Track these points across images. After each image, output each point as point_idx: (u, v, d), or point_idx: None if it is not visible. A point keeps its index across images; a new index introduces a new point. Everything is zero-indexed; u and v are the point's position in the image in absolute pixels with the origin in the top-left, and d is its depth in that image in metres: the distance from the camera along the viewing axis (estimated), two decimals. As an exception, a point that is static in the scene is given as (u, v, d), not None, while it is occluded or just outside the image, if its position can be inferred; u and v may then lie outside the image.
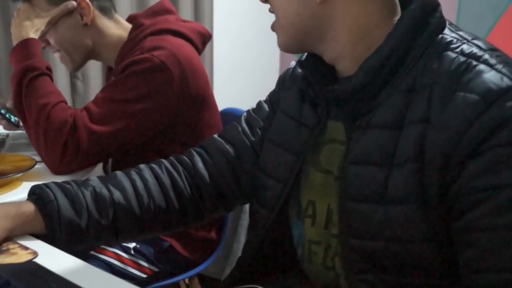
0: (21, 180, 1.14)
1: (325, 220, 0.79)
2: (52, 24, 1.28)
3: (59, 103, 1.20)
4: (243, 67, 2.86)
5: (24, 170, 1.12)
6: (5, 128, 1.45)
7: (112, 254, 1.25)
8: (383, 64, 0.69)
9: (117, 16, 1.37)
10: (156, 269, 1.31)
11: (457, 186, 0.64)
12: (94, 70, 2.09)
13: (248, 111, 0.96)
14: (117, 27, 1.35)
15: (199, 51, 1.35)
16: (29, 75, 1.20)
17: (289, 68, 0.93)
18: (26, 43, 1.24)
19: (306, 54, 0.83)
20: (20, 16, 1.28)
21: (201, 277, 1.57)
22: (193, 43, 1.31)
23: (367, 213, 0.70)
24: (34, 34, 1.26)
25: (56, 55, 1.37)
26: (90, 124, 1.16)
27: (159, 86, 1.18)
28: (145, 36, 1.26)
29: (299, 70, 0.88)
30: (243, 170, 0.91)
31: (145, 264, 1.29)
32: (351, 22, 0.72)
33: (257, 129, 0.91)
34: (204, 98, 1.31)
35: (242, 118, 0.95)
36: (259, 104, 0.96)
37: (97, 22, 1.31)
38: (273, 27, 0.79)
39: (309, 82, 0.83)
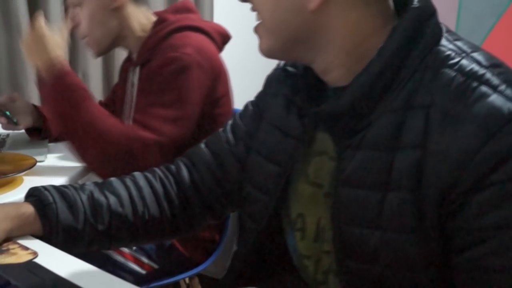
0: (21, 179, 1.14)
1: (315, 233, 0.76)
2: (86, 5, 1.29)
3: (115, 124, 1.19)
4: (243, 67, 2.85)
5: (24, 170, 1.12)
6: (3, 127, 1.45)
7: (114, 249, 1.26)
8: (375, 81, 0.64)
9: (145, 7, 1.39)
10: (156, 266, 1.32)
11: (459, 221, 0.60)
12: (94, 70, 2.09)
13: (234, 117, 0.92)
14: (144, 18, 1.37)
15: (219, 50, 1.37)
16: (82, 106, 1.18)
17: (277, 69, 0.88)
18: (62, 75, 1.19)
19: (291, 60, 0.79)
20: (38, 34, 1.20)
21: (201, 277, 1.57)
22: (215, 41, 1.34)
23: (361, 237, 0.66)
24: (61, 52, 1.22)
25: (83, 40, 1.37)
26: (147, 133, 1.17)
27: (196, 82, 1.22)
28: (169, 32, 1.29)
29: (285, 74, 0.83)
30: (228, 181, 0.89)
31: (145, 260, 1.30)
32: (345, 31, 0.66)
33: (242, 138, 0.88)
34: (226, 93, 1.36)
35: (228, 126, 0.92)
36: (245, 107, 0.92)
37: (127, 8, 1.33)
38: (256, 30, 0.72)
39: (296, 89, 0.78)
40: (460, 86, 0.60)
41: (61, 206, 0.80)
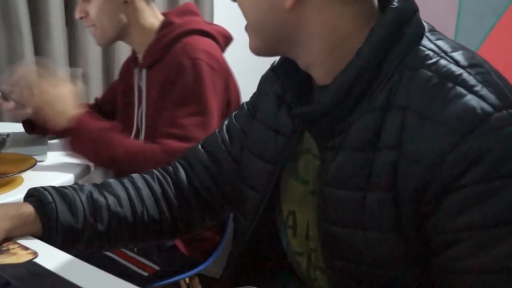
0: (21, 179, 1.14)
1: (306, 231, 0.77)
2: None
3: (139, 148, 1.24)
4: (243, 67, 2.85)
5: (24, 170, 1.12)
6: (9, 112, 1.38)
7: (116, 251, 1.26)
8: (353, 82, 0.64)
9: (153, 4, 1.41)
10: (157, 268, 1.32)
11: (433, 224, 0.60)
12: (94, 70, 2.10)
13: (229, 117, 0.93)
14: (152, 15, 1.39)
15: (223, 52, 1.41)
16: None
17: (269, 69, 0.90)
18: (79, 130, 1.22)
19: (280, 59, 0.80)
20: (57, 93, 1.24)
21: (201, 277, 1.57)
22: (219, 44, 1.38)
23: (345, 236, 0.67)
24: (75, 109, 1.24)
25: (88, 30, 1.40)
26: (180, 143, 1.20)
27: (214, 88, 1.26)
28: (177, 35, 1.32)
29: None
30: (225, 182, 0.90)
31: (147, 262, 1.30)
32: (323, 30, 0.66)
33: (237, 138, 0.89)
34: (236, 94, 1.40)
35: (224, 126, 0.93)
36: (241, 107, 0.93)
37: (136, 3, 1.35)
38: (246, 29, 0.74)
39: (286, 87, 0.79)
40: (435, 87, 0.60)
41: (61, 206, 0.80)
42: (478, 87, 0.58)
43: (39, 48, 1.92)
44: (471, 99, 0.57)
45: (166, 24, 1.36)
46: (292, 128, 0.77)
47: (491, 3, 2.38)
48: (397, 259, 0.63)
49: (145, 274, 1.30)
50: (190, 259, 1.38)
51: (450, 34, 2.43)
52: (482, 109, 0.56)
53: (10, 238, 0.76)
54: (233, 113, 0.94)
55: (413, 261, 0.63)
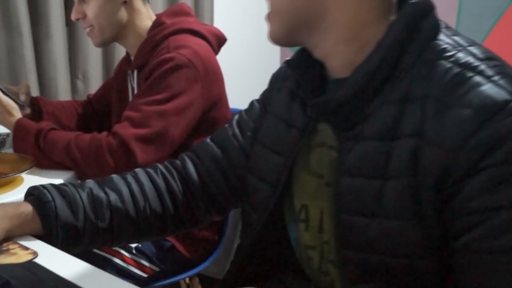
0: (21, 180, 1.14)
1: (319, 225, 0.77)
2: None
3: (78, 135, 1.24)
4: (243, 67, 2.85)
5: (24, 170, 1.12)
6: None
7: (115, 253, 1.26)
8: (374, 73, 0.66)
9: (148, 6, 1.41)
10: (157, 269, 1.32)
11: (454, 207, 0.61)
12: (94, 70, 2.09)
13: (240, 113, 0.95)
14: (148, 16, 1.39)
15: (215, 52, 1.39)
16: (41, 137, 1.23)
17: (282, 67, 0.91)
18: (19, 127, 1.26)
19: (295, 54, 0.81)
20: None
21: (201, 277, 1.57)
22: (211, 44, 1.36)
23: (361, 226, 0.68)
24: (14, 118, 1.29)
25: (86, 30, 1.39)
26: (134, 130, 1.20)
27: (188, 82, 1.24)
28: (166, 35, 1.31)
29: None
30: (234, 174, 0.90)
31: (146, 263, 1.30)
32: (346, 16, 0.68)
33: (248, 132, 0.90)
34: (221, 96, 1.37)
35: (234, 121, 0.94)
36: (251, 104, 0.94)
37: (135, 3, 1.36)
38: (267, 17, 0.76)
39: (299, 82, 0.81)
40: (455, 76, 0.62)
41: (60, 204, 0.80)
42: (496, 77, 0.61)
43: (39, 48, 1.91)
44: (490, 87, 0.60)
45: (156, 25, 1.36)
46: (305, 122, 0.78)
47: (491, 3, 2.37)
48: (412, 247, 0.64)
49: (145, 275, 1.29)
50: (190, 259, 1.37)
51: (450, 34, 2.42)
52: (502, 96, 0.59)
53: (10, 238, 0.76)
54: (243, 110, 0.95)
55: (427, 249, 0.64)
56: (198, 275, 1.51)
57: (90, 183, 0.87)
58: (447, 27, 0.70)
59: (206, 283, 1.62)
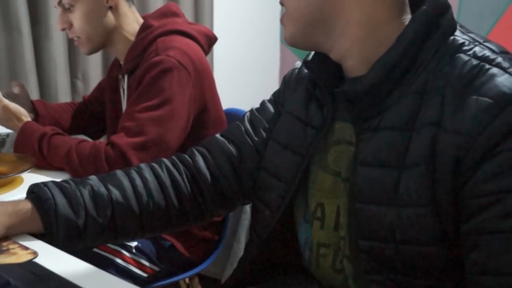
0: (21, 179, 1.14)
1: (335, 222, 0.78)
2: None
3: (80, 142, 1.23)
4: (243, 67, 2.86)
5: (24, 170, 1.12)
6: None
7: (115, 252, 1.26)
8: (394, 65, 0.69)
9: (134, 8, 1.39)
10: (157, 269, 1.32)
11: (468, 189, 0.63)
12: (94, 70, 2.09)
13: (251, 111, 0.95)
14: (134, 19, 1.37)
15: (205, 52, 1.38)
16: (44, 142, 1.23)
17: (295, 68, 0.92)
18: (24, 129, 1.26)
19: (312, 54, 0.82)
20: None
21: (201, 277, 1.57)
22: (200, 44, 1.35)
23: (377, 215, 0.69)
24: (22, 122, 1.29)
25: (73, 38, 1.38)
26: (130, 139, 1.19)
27: (179, 85, 1.22)
28: (154, 37, 1.30)
29: (305, 71, 0.87)
30: (245, 170, 0.90)
31: (146, 263, 1.30)
32: (361, 16, 0.71)
33: (261, 130, 0.90)
34: (213, 96, 1.36)
35: (245, 118, 0.94)
36: (263, 104, 0.95)
37: (120, 8, 1.34)
38: (282, 20, 0.77)
39: (315, 83, 0.82)
40: (473, 68, 0.66)
41: (60, 201, 0.80)
42: None
43: (39, 48, 1.92)
44: (507, 78, 0.63)
45: (144, 28, 1.34)
46: (322, 121, 0.80)
47: (491, 3, 2.38)
48: (427, 234, 0.66)
49: (145, 275, 1.29)
50: (190, 259, 1.38)
51: (450, 34, 2.42)
52: None
53: (10, 237, 0.76)
54: (254, 108, 0.95)
55: (441, 235, 0.66)
56: (198, 275, 1.51)
57: (92, 179, 0.87)
58: (462, 26, 0.73)
59: (206, 283, 1.62)
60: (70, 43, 2.05)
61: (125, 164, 1.17)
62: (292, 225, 0.86)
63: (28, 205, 0.79)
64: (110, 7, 1.31)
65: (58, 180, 1.13)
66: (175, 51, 1.24)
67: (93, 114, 1.62)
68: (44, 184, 0.83)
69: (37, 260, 0.70)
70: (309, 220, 0.82)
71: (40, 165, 1.22)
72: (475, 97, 0.63)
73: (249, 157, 0.90)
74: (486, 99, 0.62)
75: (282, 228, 0.85)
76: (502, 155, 0.61)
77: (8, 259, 0.70)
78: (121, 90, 1.43)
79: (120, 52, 1.38)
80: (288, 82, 0.92)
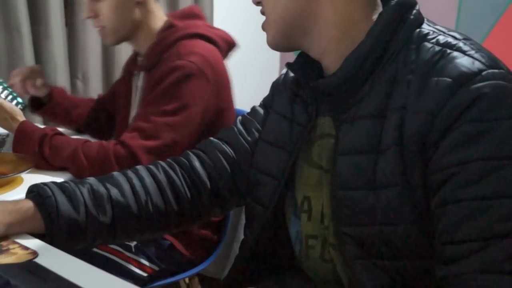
0: (21, 179, 1.14)
1: (321, 214, 0.81)
2: None
3: (85, 142, 1.23)
4: (243, 67, 2.85)
5: (24, 170, 1.12)
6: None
7: (115, 252, 1.26)
8: (365, 57, 0.73)
9: (159, 5, 1.40)
10: (157, 268, 1.32)
11: (431, 165, 0.66)
12: (94, 70, 2.09)
13: (242, 115, 0.99)
14: (159, 16, 1.38)
15: (224, 58, 1.39)
16: (45, 142, 1.23)
17: (282, 74, 0.96)
18: (22, 129, 1.26)
19: (296, 57, 0.85)
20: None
21: (201, 276, 1.57)
22: (220, 49, 1.36)
23: (358, 200, 0.72)
24: (17, 123, 1.29)
25: (97, 28, 1.39)
26: (143, 141, 1.20)
27: (198, 92, 1.23)
28: (177, 38, 1.31)
29: (291, 74, 0.91)
30: (240, 169, 0.93)
31: (146, 262, 1.30)
32: (336, 17, 0.75)
33: (253, 130, 0.94)
34: (229, 103, 1.38)
35: (238, 121, 0.97)
36: (253, 108, 0.98)
37: (148, 4, 1.35)
38: (263, 27, 0.82)
39: (299, 83, 0.86)
40: (436, 54, 0.70)
41: (61, 199, 0.80)
42: (472, 52, 0.69)
43: (39, 48, 1.92)
44: (466, 59, 0.67)
45: (167, 27, 1.35)
46: (307, 118, 0.84)
47: (491, 3, 2.38)
48: (405, 212, 0.69)
49: (145, 275, 1.30)
50: (189, 259, 1.38)
51: (450, 34, 2.42)
52: (476, 65, 0.66)
53: (10, 237, 0.76)
54: (246, 112, 0.99)
55: (417, 214, 0.68)
56: (198, 275, 1.51)
57: (90, 179, 0.87)
58: (429, 20, 0.77)
59: (206, 283, 1.62)
60: (70, 43, 2.05)
61: (135, 165, 1.17)
62: (284, 221, 0.89)
63: (29, 203, 0.79)
64: (139, 3, 1.32)
65: (58, 179, 1.13)
66: (197, 57, 1.25)
67: (106, 113, 1.62)
68: (44, 183, 0.83)
69: (37, 260, 0.70)
70: (298, 215, 0.85)
71: (40, 165, 1.22)
72: (436, 78, 0.67)
73: (244, 156, 0.92)
74: (446, 79, 0.66)
75: (275, 224, 0.88)
76: (460, 129, 0.64)
77: (8, 259, 0.70)
78: (133, 86, 1.43)
79: (141, 47, 1.39)
80: (276, 86, 0.96)
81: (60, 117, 1.60)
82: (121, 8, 1.31)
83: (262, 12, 0.82)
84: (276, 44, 0.81)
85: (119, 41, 1.39)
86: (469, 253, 0.62)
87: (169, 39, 1.32)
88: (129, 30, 1.35)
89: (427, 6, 2.36)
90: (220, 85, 1.31)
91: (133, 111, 1.42)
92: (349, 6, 0.75)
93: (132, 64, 1.49)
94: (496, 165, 0.62)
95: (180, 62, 1.23)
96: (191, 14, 1.40)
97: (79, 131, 1.65)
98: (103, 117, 1.63)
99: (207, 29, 1.36)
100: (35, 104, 1.59)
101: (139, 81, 1.40)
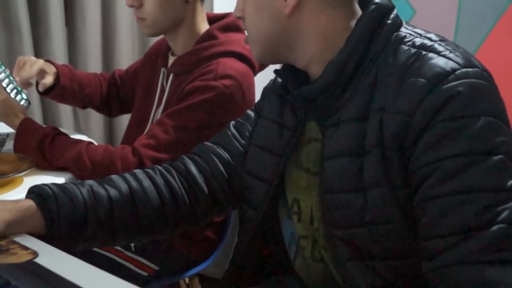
0: (21, 180, 1.14)
1: (310, 217, 0.82)
2: None
3: (88, 144, 1.23)
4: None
5: (24, 170, 1.12)
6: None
7: (115, 252, 1.26)
8: (344, 63, 0.75)
9: (204, 7, 1.38)
10: (157, 268, 1.32)
11: (411, 163, 0.68)
12: (94, 70, 2.09)
13: (235, 120, 1.00)
14: (202, 17, 1.37)
15: (255, 75, 1.37)
16: (46, 141, 1.22)
17: (272, 79, 0.97)
18: (24, 127, 1.26)
19: (282, 65, 0.86)
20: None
21: (201, 277, 1.57)
22: (254, 70, 1.34)
23: (347, 202, 0.73)
24: (19, 119, 1.28)
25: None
26: (156, 153, 1.19)
27: (224, 116, 1.22)
28: (216, 54, 1.28)
29: (279, 79, 0.92)
30: (235, 172, 0.93)
31: (146, 262, 1.30)
32: (318, 30, 0.77)
33: (246, 133, 0.95)
34: None
35: (231, 126, 0.99)
36: (245, 113, 1.00)
37: (195, 4, 1.33)
38: (248, 42, 0.84)
39: (287, 88, 0.87)
40: (412, 55, 0.72)
41: (62, 199, 0.81)
42: (447, 52, 0.71)
43: (39, 48, 1.92)
44: (440, 59, 0.69)
45: (208, 37, 1.32)
46: (296, 123, 0.85)
47: (491, 3, 2.38)
48: (391, 211, 0.70)
49: (145, 274, 1.30)
50: (190, 259, 1.38)
51: (450, 34, 2.42)
52: (449, 65, 0.68)
53: (10, 237, 0.76)
54: (238, 118, 1.00)
55: (404, 215, 0.70)
56: (198, 275, 1.51)
57: (89, 181, 0.88)
58: (408, 23, 0.79)
59: (206, 283, 1.62)
60: (70, 43, 2.05)
61: None
62: (277, 224, 0.90)
63: (29, 202, 0.80)
64: (186, 1, 1.30)
65: (58, 179, 1.13)
66: (231, 82, 1.23)
67: (122, 95, 1.60)
68: (44, 184, 0.83)
69: (37, 260, 0.70)
70: (291, 216, 0.86)
71: (40, 165, 1.22)
72: (412, 79, 0.69)
73: (238, 159, 0.93)
74: (421, 79, 0.68)
75: (268, 227, 0.89)
76: (437, 127, 0.66)
77: (8, 259, 0.70)
78: (159, 84, 1.40)
79: (177, 45, 1.37)
80: (266, 92, 0.98)
81: (68, 100, 1.58)
82: (167, 3, 1.28)
83: (245, 28, 0.83)
84: (261, 59, 0.84)
85: (156, 34, 1.36)
86: (449, 247, 0.63)
87: (208, 52, 1.29)
88: (169, 26, 1.32)
89: (427, 6, 2.36)
90: (245, 109, 1.30)
91: (158, 110, 1.39)
92: (331, 18, 0.77)
93: (160, 56, 1.45)
94: (471, 160, 0.64)
95: (214, 83, 1.22)
96: (233, 27, 1.36)
97: (85, 107, 1.64)
98: (119, 100, 1.61)
99: (246, 48, 1.32)
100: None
101: (164, 79, 1.39)
